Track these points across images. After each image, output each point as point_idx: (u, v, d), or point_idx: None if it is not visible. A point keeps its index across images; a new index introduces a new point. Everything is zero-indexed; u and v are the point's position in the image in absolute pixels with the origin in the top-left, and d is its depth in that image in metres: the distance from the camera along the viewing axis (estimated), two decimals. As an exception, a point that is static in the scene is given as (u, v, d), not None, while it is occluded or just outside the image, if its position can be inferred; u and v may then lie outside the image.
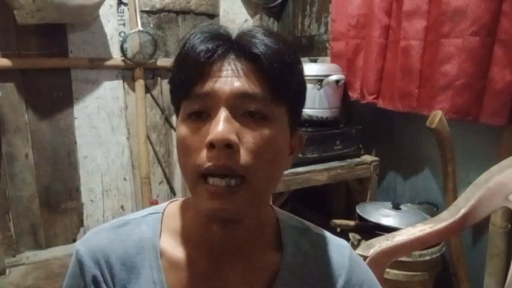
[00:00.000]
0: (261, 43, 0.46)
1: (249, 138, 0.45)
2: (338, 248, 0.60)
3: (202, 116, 0.46)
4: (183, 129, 0.47)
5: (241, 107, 0.45)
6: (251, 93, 0.45)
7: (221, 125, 0.43)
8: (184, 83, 0.46)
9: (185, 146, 0.47)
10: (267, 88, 0.46)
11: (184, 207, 0.56)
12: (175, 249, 0.53)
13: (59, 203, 2.11)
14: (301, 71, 0.51)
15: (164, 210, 0.57)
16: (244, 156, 0.45)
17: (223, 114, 0.44)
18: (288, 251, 0.56)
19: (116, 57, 2.10)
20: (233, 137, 0.43)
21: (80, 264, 0.52)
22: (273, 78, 0.46)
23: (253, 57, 0.46)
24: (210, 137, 0.43)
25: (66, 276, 0.55)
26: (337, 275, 0.57)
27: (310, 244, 0.58)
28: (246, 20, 2.39)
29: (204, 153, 0.45)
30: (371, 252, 1.02)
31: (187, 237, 0.54)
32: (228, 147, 0.43)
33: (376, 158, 1.82)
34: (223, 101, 0.45)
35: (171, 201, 0.60)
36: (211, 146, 0.44)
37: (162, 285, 0.51)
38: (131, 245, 0.53)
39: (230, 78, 0.45)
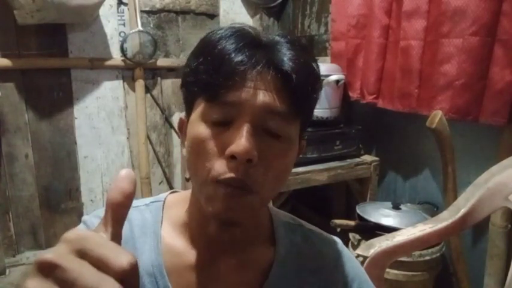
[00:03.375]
0: (293, 60, 0.46)
1: (266, 153, 0.46)
2: (330, 243, 0.62)
3: (222, 121, 0.47)
4: (201, 130, 0.47)
5: (264, 121, 0.46)
6: (277, 110, 0.46)
7: (245, 139, 0.44)
8: (213, 88, 0.46)
9: (202, 149, 0.47)
10: (291, 106, 0.47)
11: (183, 201, 0.57)
12: (173, 239, 0.55)
13: (59, 203, 2.11)
14: (321, 86, 0.53)
15: (165, 199, 0.59)
16: (259, 171, 0.46)
17: (248, 127, 0.45)
18: (281, 246, 0.57)
19: (116, 57, 2.10)
20: (255, 153, 0.44)
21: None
22: (299, 97, 0.47)
23: (284, 74, 0.46)
24: (233, 150, 0.44)
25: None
26: (328, 270, 0.59)
27: (303, 239, 0.60)
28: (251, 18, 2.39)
29: (222, 162, 0.45)
30: (371, 252, 1.02)
31: (185, 230, 0.55)
32: (247, 161, 0.44)
33: (376, 158, 1.82)
34: (249, 114, 0.45)
35: (171, 192, 0.61)
36: (232, 157, 0.44)
37: (160, 269, 0.52)
38: (134, 228, 0.55)
39: (260, 92, 0.45)
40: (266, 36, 0.49)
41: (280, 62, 0.46)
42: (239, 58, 0.45)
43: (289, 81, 0.46)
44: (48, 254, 0.27)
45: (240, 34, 0.48)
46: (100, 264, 0.27)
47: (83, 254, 0.28)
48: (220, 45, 0.46)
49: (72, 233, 0.29)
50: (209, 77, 0.46)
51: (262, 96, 0.45)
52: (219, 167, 0.45)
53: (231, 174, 0.45)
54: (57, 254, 0.28)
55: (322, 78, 1.68)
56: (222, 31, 0.48)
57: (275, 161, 0.47)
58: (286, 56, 0.47)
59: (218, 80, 0.45)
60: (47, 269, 0.27)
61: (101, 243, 0.29)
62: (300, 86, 0.47)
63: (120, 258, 0.28)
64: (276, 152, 0.47)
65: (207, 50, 0.48)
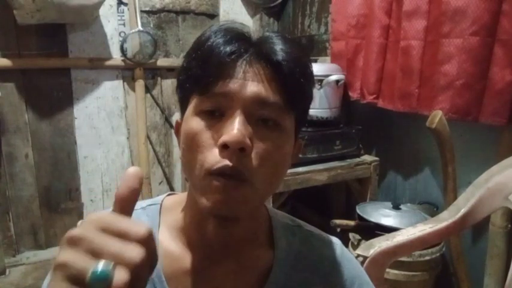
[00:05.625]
0: (283, 51, 0.46)
1: (260, 145, 0.46)
2: (329, 244, 0.61)
3: (214, 114, 0.46)
4: (194, 124, 0.47)
5: (256, 112, 0.46)
6: (269, 101, 0.46)
7: (237, 127, 0.44)
8: (203, 80, 0.46)
9: (195, 142, 0.46)
10: (284, 97, 0.46)
11: (180, 204, 0.56)
12: (171, 243, 0.54)
13: (59, 203, 2.11)
14: (314, 82, 0.53)
15: (162, 202, 0.58)
16: (253, 161, 0.45)
17: (239, 117, 0.45)
18: (280, 249, 0.57)
19: (116, 57, 2.10)
20: (248, 142, 0.44)
21: None
22: (291, 88, 0.47)
23: (274, 65, 0.46)
24: (225, 139, 0.43)
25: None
26: (328, 271, 0.58)
27: (302, 241, 0.59)
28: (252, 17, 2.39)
29: (215, 152, 0.45)
30: (371, 252, 1.02)
31: (182, 233, 0.54)
32: (241, 150, 0.44)
33: (376, 158, 1.82)
34: (240, 104, 0.45)
35: (168, 194, 0.61)
36: (224, 147, 0.44)
37: (158, 273, 0.52)
38: None
39: (250, 83, 0.45)
40: (256, 33, 0.49)
41: (270, 52, 0.46)
42: (227, 49, 0.45)
43: (280, 72, 0.46)
44: (76, 230, 0.31)
45: (230, 29, 0.48)
46: (121, 236, 0.31)
47: (105, 229, 0.31)
48: (209, 41, 0.47)
49: (93, 215, 0.32)
50: (199, 70, 0.47)
51: (253, 87, 0.45)
52: (212, 157, 0.45)
53: (224, 162, 0.44)
54: (83, 229, 0.31)
55: (322, 78, 1.70)
56: (212, 28, 0.49)
57: (270, 152, 0.46)
58: (277, 46, 0.47)
59: (208, 71, 0.45)
60: (76, 242, 0.30)
61: (119, 219, 0.32)
62: (292, 77, 0.46)
63: (137, 227, 0.31)
64: (271, 143, 0.46)
65: (197, 47, 0.48)
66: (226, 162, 0.44)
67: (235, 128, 0.44)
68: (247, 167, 0.45)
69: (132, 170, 0.35)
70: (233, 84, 0.45)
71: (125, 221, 0.32)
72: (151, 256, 0.32)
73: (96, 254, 0.30)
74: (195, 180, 0.47)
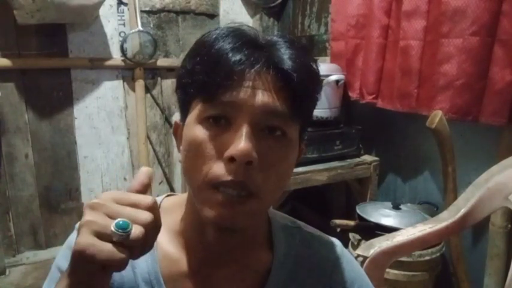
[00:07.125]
0: (292, 60, 0.45)
1: (266, 155, 0.45)
2: (329, 246, 0.61)
3: (220, 122, 0.45)
4: (198, 132, 0.46)
5: (263, 122, 0.45)
6: (277, 110, 0.45)
7: (244, 141, 0.43)
8: (210, 87, 0.44)
9: (199, 151, 0.45)
10: (291, 106, 0.46)
11: (179, 206, 0.55)
12: (169, 244, 0.54)
13: (59, 203, 2.11)
14: (321, 87, 0.52)
15: (161, 203, 0.57)
16: (259, 173, 0.44)
17: (247, 128, 0.43)
18: (280, 251, 0.56)
19: (116, 57, 2.10)
20: (255, 155, 0.43)
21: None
22: (300, 97, 0.46)
23: (284, 74, 0.45)
24: (232, 152, 0.42)
25: (60, 251, 0.55)
26: (328, 273, 0.58)
27: (302, 243, 0.59)
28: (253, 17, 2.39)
29: (221, 165, 0.44)
30: (371, 252, 1.02)
31: (181, 235, 0.54)
32: (247, 163, 0.43)
33: (376, 158, 1.82)
34: (248, 114, 0.44)
35: (167, 195, 0.60)
36: (230, 160, 0.43)
37: (156, 276, 0.51)
38: None
39: (259, 92, 0.44)
40: (264, 37, 0.48)
41: (280, 61, 0.45)
42: (237, 57, 0.44)
43: (289, 81, 0.45)
44: (95, 199, 0.38)
45: (238, 33, 0.46)
46: (133, 205, 0.38)
47: (118, 201, 0.38)
48: (217, 45, 0.45)
49: (107, 193, 0.39)
50: (206, 76, 0.45)
51: (262, 96, 0.44)
52: (217, 169, 0.44)
53: (229, 177, 0.43)
54: (101, 199, 0.38)
55: (322, 78, 1.69)
56: (218, 31, 0.47)
57: (275, 163, 0.46)
58: (285, 55, 0.45)
59: (215, 79, 0.44)
60: (97, 207, 0.37)
61: (129, 194, 0.40)
62: (301, 86, 0.45)
63: (145, 199, 0.39)
64: (276, 154, 0.46)
65: (203, 50, 0.46)
66: (232, 176, 0.43)
67: (242, 141, 0.42)
68: (253, 180, 0.44)
69: (144, 169, 0.42)
70: (241, 94, 0.44)
71: (134, 195, 0.39)
72: (157, 220, 0.39)
73: (114, 216, 0.36)
74: (198, 190, 0.46)
